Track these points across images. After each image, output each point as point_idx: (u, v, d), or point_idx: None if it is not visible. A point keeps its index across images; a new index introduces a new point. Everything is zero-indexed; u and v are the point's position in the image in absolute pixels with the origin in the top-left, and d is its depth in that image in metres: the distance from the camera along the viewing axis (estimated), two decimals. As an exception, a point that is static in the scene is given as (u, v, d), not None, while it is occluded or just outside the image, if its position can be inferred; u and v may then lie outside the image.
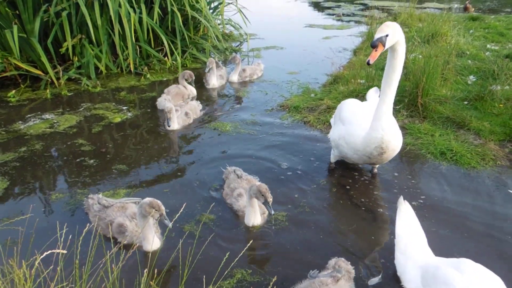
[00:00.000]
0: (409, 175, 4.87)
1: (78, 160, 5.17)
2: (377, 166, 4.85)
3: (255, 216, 3.93)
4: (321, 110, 6.64)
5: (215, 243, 3.69)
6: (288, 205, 4.28)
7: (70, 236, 2.34)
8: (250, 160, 5.23)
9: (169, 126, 5.94)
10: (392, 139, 4.10)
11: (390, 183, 4.71)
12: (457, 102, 6.35)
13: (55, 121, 6.28)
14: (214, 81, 7.97)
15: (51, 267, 2.28)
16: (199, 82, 8.05)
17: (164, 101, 6.78)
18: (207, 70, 7.86)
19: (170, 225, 3.50)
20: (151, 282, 2.35)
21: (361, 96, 6.69)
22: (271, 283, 2.63)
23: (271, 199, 3.75)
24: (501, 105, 6.22)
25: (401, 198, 3.40)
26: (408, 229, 3.21)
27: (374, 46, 3.75)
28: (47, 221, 3.97)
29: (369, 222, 4.04)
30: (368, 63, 3.71)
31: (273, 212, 3.76)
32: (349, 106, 4.69)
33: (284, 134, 6.01)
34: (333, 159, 4.95)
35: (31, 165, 5.08)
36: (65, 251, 2.24)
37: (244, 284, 3.24)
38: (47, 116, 6.48)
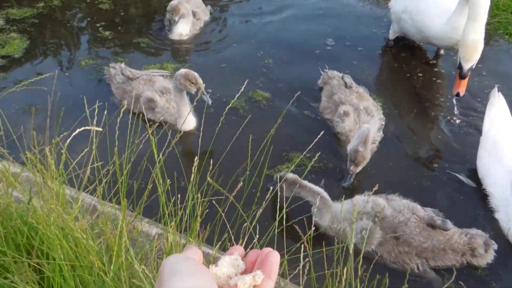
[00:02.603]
0: (482, 58, 4.20)
1: (102, 22, 4.57)
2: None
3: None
4: (378, -24, 5.64)
5: (266, 123, 3.02)
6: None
7: (98, 112, 1.95)
8: (291, 31, 4.58)
9: (169, 32, 4.25)
10: (471, 43, 3.10)
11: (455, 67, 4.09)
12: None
13: (74, -27, 5.52)
14: None
15: (87, 149, 1.94)
16: None
17: None
18: None
19: (210, 101, 3.10)
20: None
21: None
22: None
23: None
24: None
25: (495, 89, 2.89)
26: (499, 126, 2.74)
27: (465, 77, 3.01)
28: (69, 89, 3.61)
29: (431, 111, 3.57)
30: (458, 95, 3.08)
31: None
32: None
33: (334, 2, 5.18)
34: (392, 35, 4.25)
35: (50, 23, 4.56)
36: (100, 129, 1.87)
37: (303, 169, 2.86)
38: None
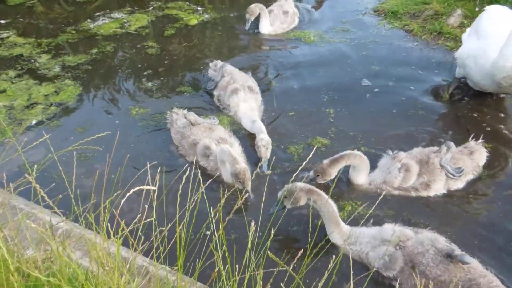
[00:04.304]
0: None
1: (149, 71, 4.65)
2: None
3: None
4: (427, 16, 5.52)
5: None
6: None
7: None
8: (344, 77, 4.50)
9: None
10: None
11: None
12: None
13: (126, 21, 5.74)
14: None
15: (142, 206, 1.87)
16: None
17: None
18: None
19: (251, 195, 3.02)
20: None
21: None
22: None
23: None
24: None
25: None
26: None
27: None
28: (124, 136, 3.61)
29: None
30: None
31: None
32: (494, 14, 3.63)
33: (381, 44, 5.11)
34: (458, 74, 4.08)
35: (104, 69, 4.71)
36: (154, 188, 1.80)
37: (356, 216, 2.74)
38: (116, 15, 5.92)
